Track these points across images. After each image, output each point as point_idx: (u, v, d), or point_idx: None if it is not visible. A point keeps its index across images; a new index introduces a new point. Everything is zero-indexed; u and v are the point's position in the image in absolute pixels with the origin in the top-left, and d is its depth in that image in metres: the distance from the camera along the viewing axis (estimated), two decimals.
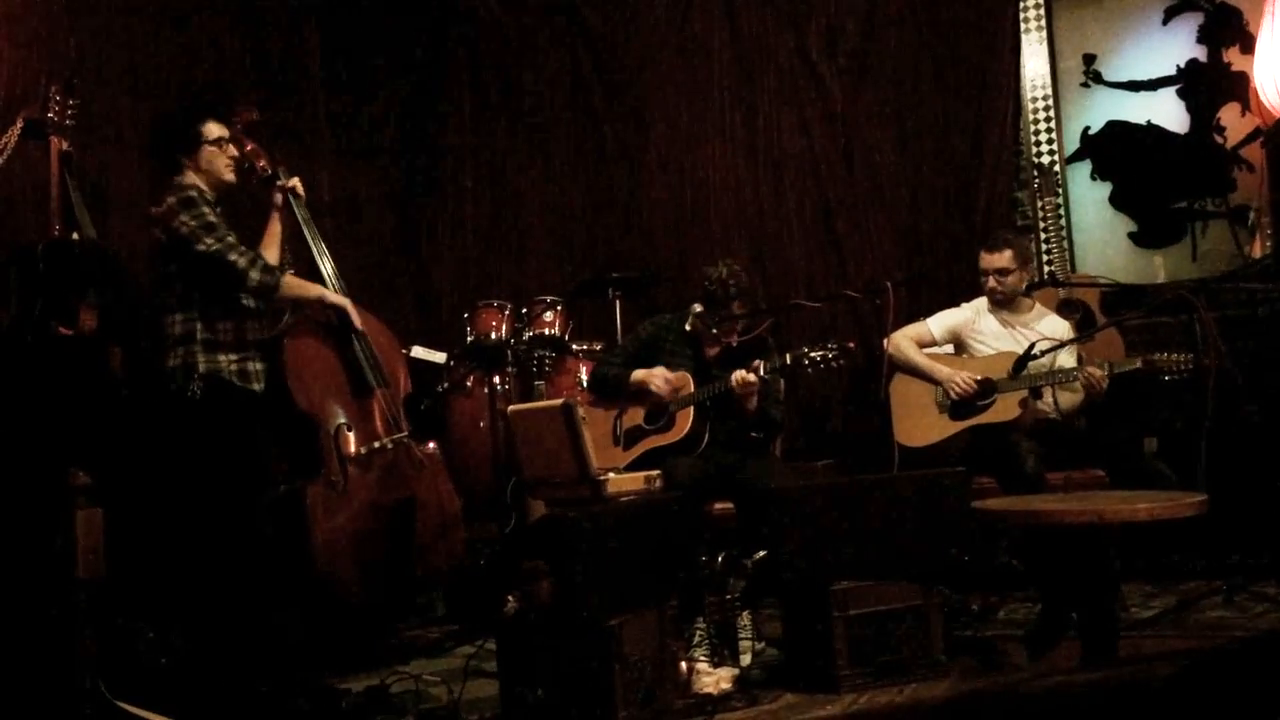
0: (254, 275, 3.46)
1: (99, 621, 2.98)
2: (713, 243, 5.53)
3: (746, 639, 3.40)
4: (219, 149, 3.58)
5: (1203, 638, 3.39)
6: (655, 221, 5.82)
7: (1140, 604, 3.86)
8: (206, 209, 3.46)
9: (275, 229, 3.82)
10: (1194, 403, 3.97)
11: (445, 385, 4.94)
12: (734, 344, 4.26)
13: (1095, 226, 5.24)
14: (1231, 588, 3.77)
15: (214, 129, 3.58)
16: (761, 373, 3.96)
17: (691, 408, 4.12)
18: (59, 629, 2.95)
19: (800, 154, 5.56)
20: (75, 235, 3.91)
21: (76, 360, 3.72)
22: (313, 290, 3.84)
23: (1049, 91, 5.28)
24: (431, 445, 4.24)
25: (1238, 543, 4.09)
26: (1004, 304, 4.21)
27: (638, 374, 4.23)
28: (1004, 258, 4.15)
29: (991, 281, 4.17)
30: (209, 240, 3.42)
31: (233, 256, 3.44)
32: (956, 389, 4.09)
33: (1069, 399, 4.00)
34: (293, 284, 3.70)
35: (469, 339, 5.08)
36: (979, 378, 4.08)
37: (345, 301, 3.91)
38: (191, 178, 3.55)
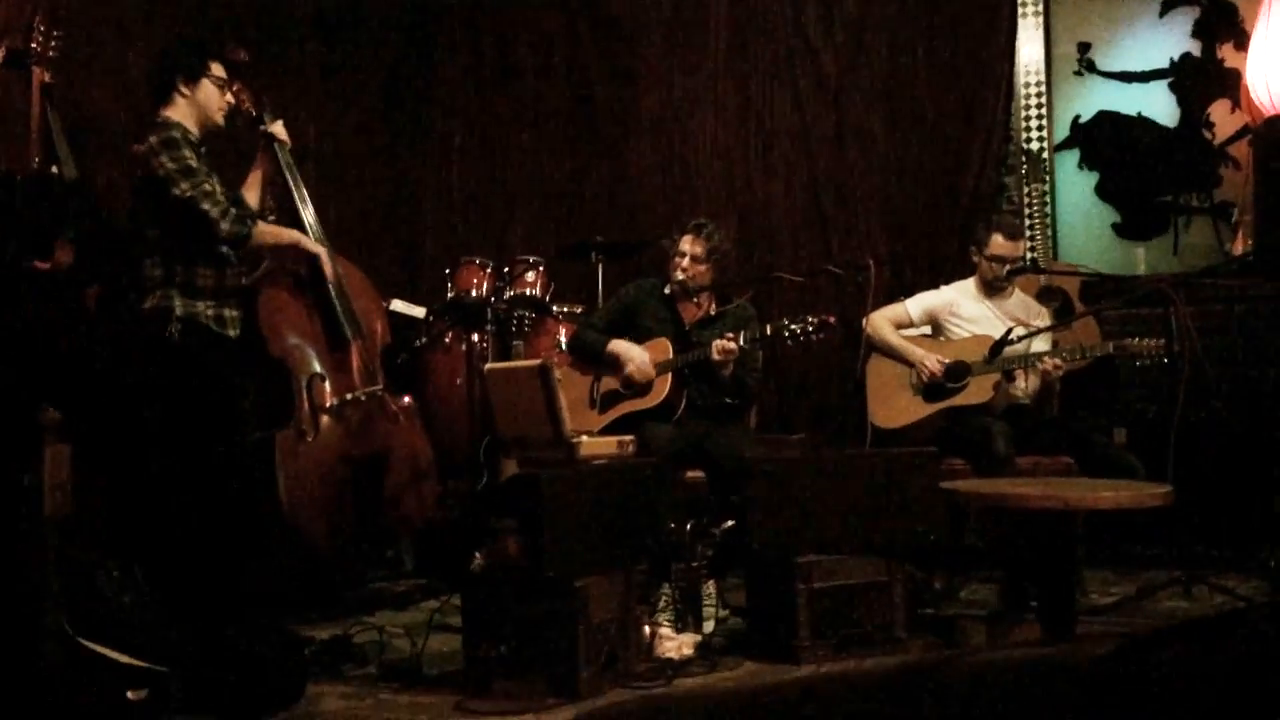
0: (224, 225, 3.43)
1: (64, 559, 2.97)
2: (700, 212, 5.50)
3: (711, 606, 3.43)
4: (219, 89, 3.59)
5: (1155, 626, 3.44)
6: (643, 188, 5.79)
7: (1101, 590, 3.92)
8: (188, 151, 3.42)
9: (258, 173, 3.79)
10: (1165, 395, 4.01)
11: (423, 340, 4.93)
12: (713, 311, 4.27)
13: (1080, 215, 5.26)
14: (1190, 579, 3.82)
15: (219, 69, 3.62)
16: (741, 341, 3.97)
17: (669, 374, 4.12)
18: (24, 565, 2.94)
19: (791, 128, 5.53)
20: (54, 169, 3.86)
21: (50, 296, 3.68)
22: (287, 235, 3.83)
23: (1042, 78, 5.27)
24: (407, 399, 4.24)
25: (1202, 534, 4.14)
26: (999, 290, 4.20)
27: (616, 346, 4.22)
28: (1019, 247, 4.20)
29: (1004, 269, 4.12)
30: (185, 185, 3.39)
31: (206, 205, 3.40)
32: (926, 371, 4.11)
33: (1031, 381, 4.04)
34: (267, 231, 3.70)
35: (449, 295, 5.06)
36: (951, 361, 4.09)
37: (321, 250, 3.89)
38: (181, 111, 3.52)
